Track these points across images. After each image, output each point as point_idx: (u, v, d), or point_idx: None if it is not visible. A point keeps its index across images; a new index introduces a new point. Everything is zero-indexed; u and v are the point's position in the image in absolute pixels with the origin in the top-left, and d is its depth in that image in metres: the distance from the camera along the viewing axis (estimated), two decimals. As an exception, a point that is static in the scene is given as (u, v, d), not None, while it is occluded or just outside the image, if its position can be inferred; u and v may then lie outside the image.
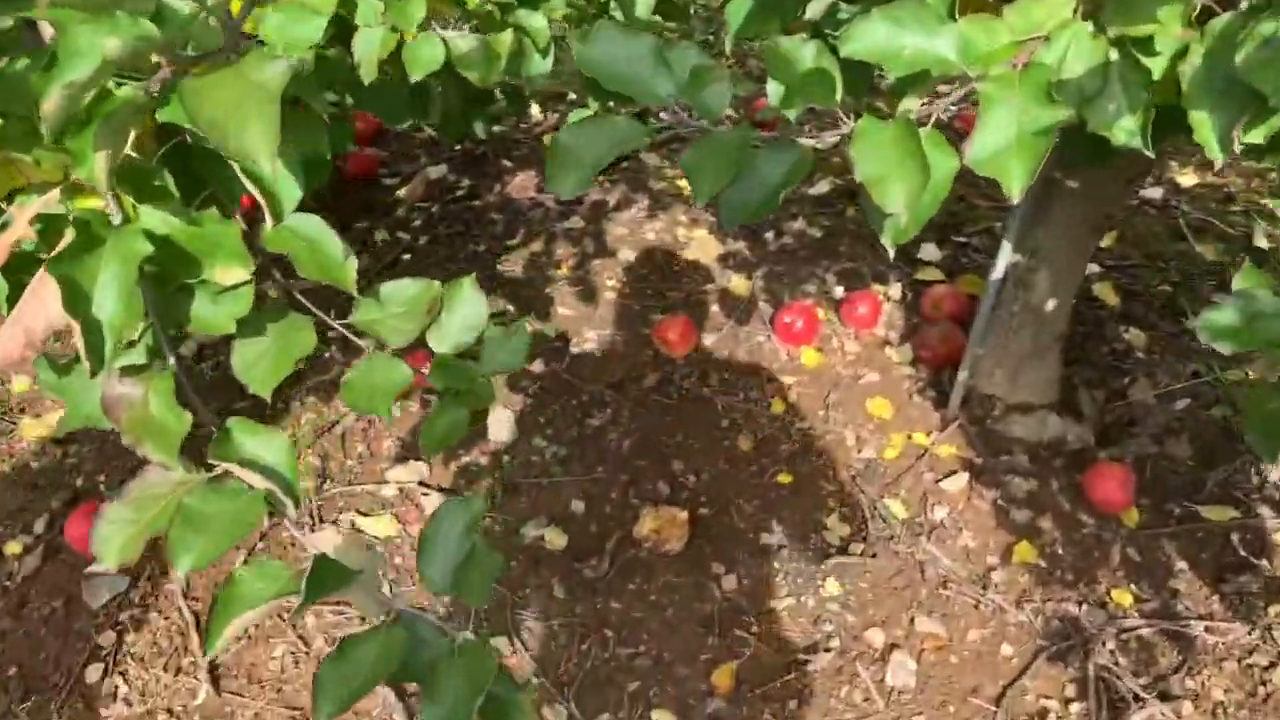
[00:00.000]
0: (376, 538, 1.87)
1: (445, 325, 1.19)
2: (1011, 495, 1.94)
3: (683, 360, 2.31)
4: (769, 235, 2.76)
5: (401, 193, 2.92)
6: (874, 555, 1.84)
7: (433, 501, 1.92)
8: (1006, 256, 1.92)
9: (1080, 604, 1.74)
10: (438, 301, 1.18)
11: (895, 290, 2.51)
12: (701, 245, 2.69)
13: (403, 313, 1.18)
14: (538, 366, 2.29)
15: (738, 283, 2.55)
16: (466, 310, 1.19)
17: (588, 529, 1.90)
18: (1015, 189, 0.92)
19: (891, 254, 1.05)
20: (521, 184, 3.00)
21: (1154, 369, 2.27)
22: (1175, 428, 2.11)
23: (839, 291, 2.51)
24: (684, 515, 1.84)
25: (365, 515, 1.91)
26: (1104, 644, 1.68)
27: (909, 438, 2.08)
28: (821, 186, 3.00)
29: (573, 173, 0.96)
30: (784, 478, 1.99)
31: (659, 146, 3.26)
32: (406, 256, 2.66)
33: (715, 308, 2.48)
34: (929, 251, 2.66)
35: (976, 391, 2.10)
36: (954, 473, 1.99)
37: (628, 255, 2.67)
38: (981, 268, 2.59)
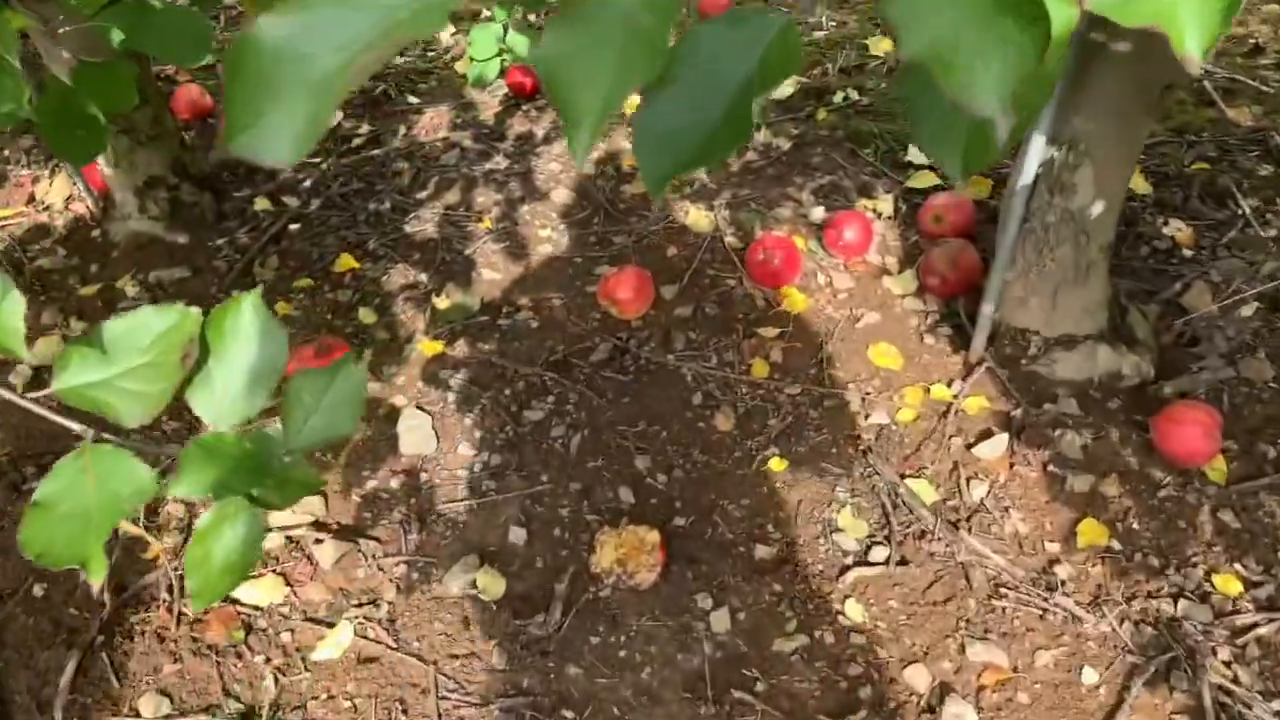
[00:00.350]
0: (257, 608, 1.43)
1: (216, 379, 0.72)
2: (1065, 456, 1.50)
3: (638, 322, 1.84)
4: (728, 153, 2.27)
5: (288, 149, 2.40)
6: (903, 561, 1.40)
7: (329, 551, 1.47)
8: (1037, 153, 1.46)
9: (1175, 598, 1.32)
10: (196, 340, 0.71)
11: (886, 204, 2.05)
12: (649, 174, 2.20)
13: (144, 366, 0.71)
14: (461, 350, 1.82)
15: (697, 216, 2.07)
16: (252, 350, 0.73)
17: (532, 565, 1.45)
18: (1192, 44, 0.44)
19: (961, 184, 0.60)
20: (431, 123, 2.49)
21: (1208, 269, 1.83)
22: (1249, 342, 1.67)
23: (819, 214, 2.04)
24: (654, 536, 1.40)
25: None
26: (1215, 653, 1.26)
27: (927, 392, 1.63)
28: (784, 88, 2.50)
29: (285, 111, 0.44)
30: (776, 464, 1.55)
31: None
32: (294, 227, 2.17)
33: (672, 250, 2.01)
34: (919, 153, 2.18)
35: (1005, 325, 1.65)
36: (989, 433, 1.55)
37: (563, 197, 2.19)
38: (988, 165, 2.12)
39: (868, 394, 1.65)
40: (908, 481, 1.49)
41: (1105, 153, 1.47)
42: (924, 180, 2.09)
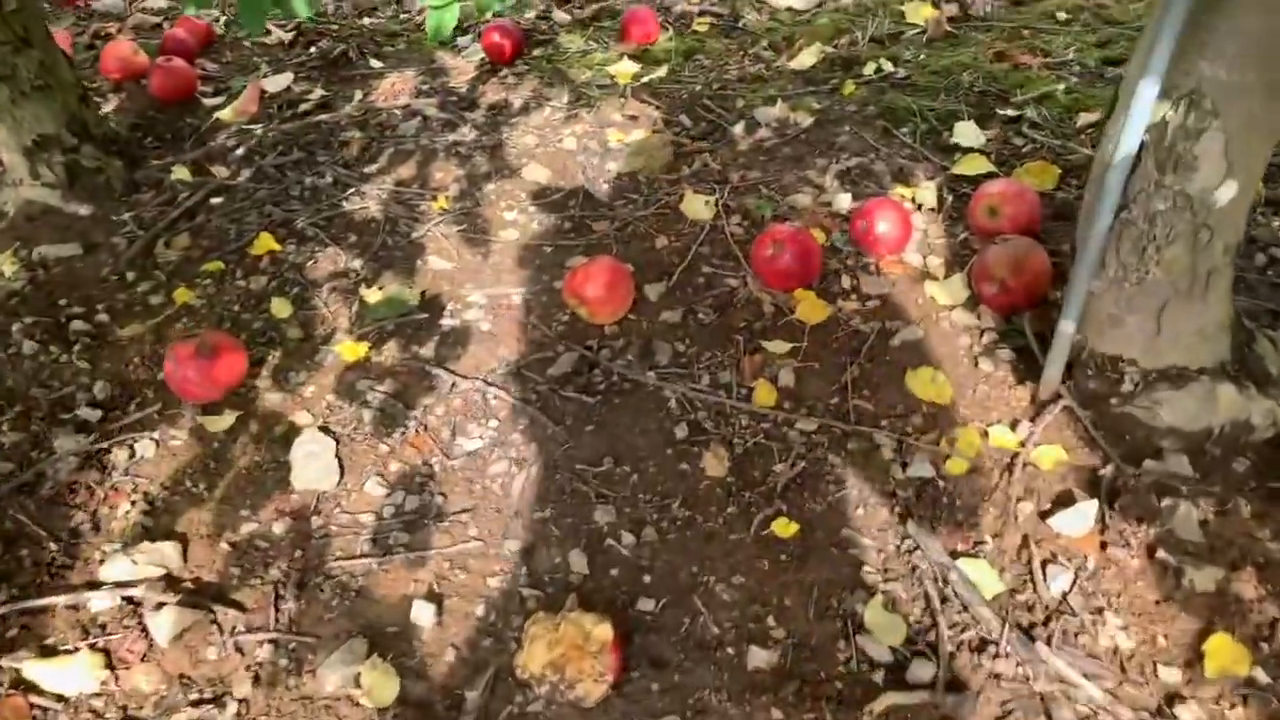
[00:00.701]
0: (60, 699, 0.99)
1: None
2: (1178, 537, 1.05)
3: (613, 328, 1.41)
4: (737, 129, 1.83)
5: (224, 113, 1.98)
6: (955, 684, 0.95)
7: (169, 621, 1.04)
8: (1144, 112, 1.01)
9: (1359, 764, 0.87)
10: None
11: (927, 193, 1.60)
12: (644, 150, 1.77)
13: None
14: (389, 355, 1.39)
15: (694, 202, 1.63)
16: None
17: (438, 659, 1.02)
18: None
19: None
20: (393, 88, 2.06)
21: (1343, 285, 1.37)
22: None
23: (845, 202, 1.59)
24: (605, 630, 0.96)
25: (48, 655, 1.03)
26: None
27: (984, 436, 1.18)
28: (805, 58, 2.06)
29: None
30: (783, 527, 1.11)
31: (586, 24, 2.30)
32: (216, 200, 1.73)
33: (662, 241, 1.56)
34: (967, 133, 1.73)
35: (1090, 351, 1.20)
36: (1069, 498, 1.10)
37: (537, 174, 1.75)
38: (1048, 151, 1.67)
39: (906, 435, 1.20)
40: (961, 563, 1.05)
41: (1243, 113, 1.01)
42: (974, 165, 1.64)
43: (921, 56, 2.04)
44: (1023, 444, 1.16)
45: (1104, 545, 1.05)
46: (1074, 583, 1.02)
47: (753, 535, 1.11)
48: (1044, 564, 1.04)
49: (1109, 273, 1.15)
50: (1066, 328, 1.17)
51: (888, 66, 1.99)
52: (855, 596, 1.03)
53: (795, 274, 1.41)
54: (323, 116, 1.95)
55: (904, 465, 1.16)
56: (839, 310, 1.39)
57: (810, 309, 1.39)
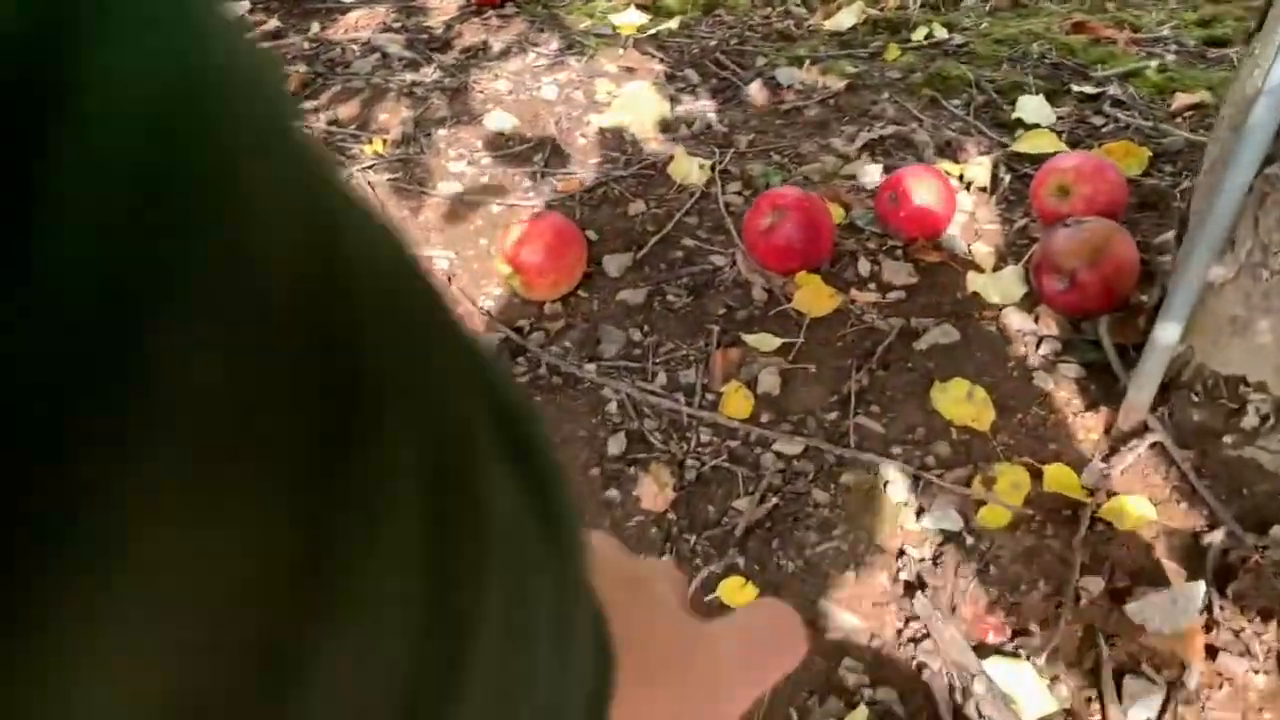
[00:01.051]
0: None
1: None
2: (1326, 648, 0.70)
3: (554, 306, 1.09)
4: (752, 89, 1.51)
5: (156, 38, 1.70)
6: None
7: None
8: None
9: None
10: None
11: (979, 169, 1.26)
12: (635, 103, 1.46)
13: None
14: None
15: (686, 164, 1.31)
16: None
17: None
18: None
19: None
20: (360, 21, 1.78)
21: None
22: None
23: (872, 175, 1.27)
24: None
25: None
26: None
27: (1036, 476, 0.84)
28: (843, 18, 1.74)
29: None
30: (734, 591, 0.78)
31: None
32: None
33: (638, 206, 1.25)
34: (1033, 109, 1.40)
35: (1198, 369, 0.86)
36: (1156, 575, 0.76)
37: (500, 122, 1.45)
38: (1134, 132, 1.33)
39: (925, 470, 0.86)
40: (993, 663, 0.71)
41: None
42: (1039, 142, 1.31)
43: (984, 24, 1.71)
44: (1092, 492, 0.81)
45: (1211, 650, 0.70)
46: (1165, 706, 0.67)
47: (690, 600, 0.78)
48: (1119, 673, 0.70)
49: (1239, 255, 0.81)
50: (1166, 334, 0.83)
51: (941, 33, 1.67)
52: (827, 707, 0.69)
53: (798, 251, 1.09)
54: (264, 47, 1.66)
55: (919, 512, 0.82)
56: (850, 301, 1.06)
57: (813, 297, 1.06)
